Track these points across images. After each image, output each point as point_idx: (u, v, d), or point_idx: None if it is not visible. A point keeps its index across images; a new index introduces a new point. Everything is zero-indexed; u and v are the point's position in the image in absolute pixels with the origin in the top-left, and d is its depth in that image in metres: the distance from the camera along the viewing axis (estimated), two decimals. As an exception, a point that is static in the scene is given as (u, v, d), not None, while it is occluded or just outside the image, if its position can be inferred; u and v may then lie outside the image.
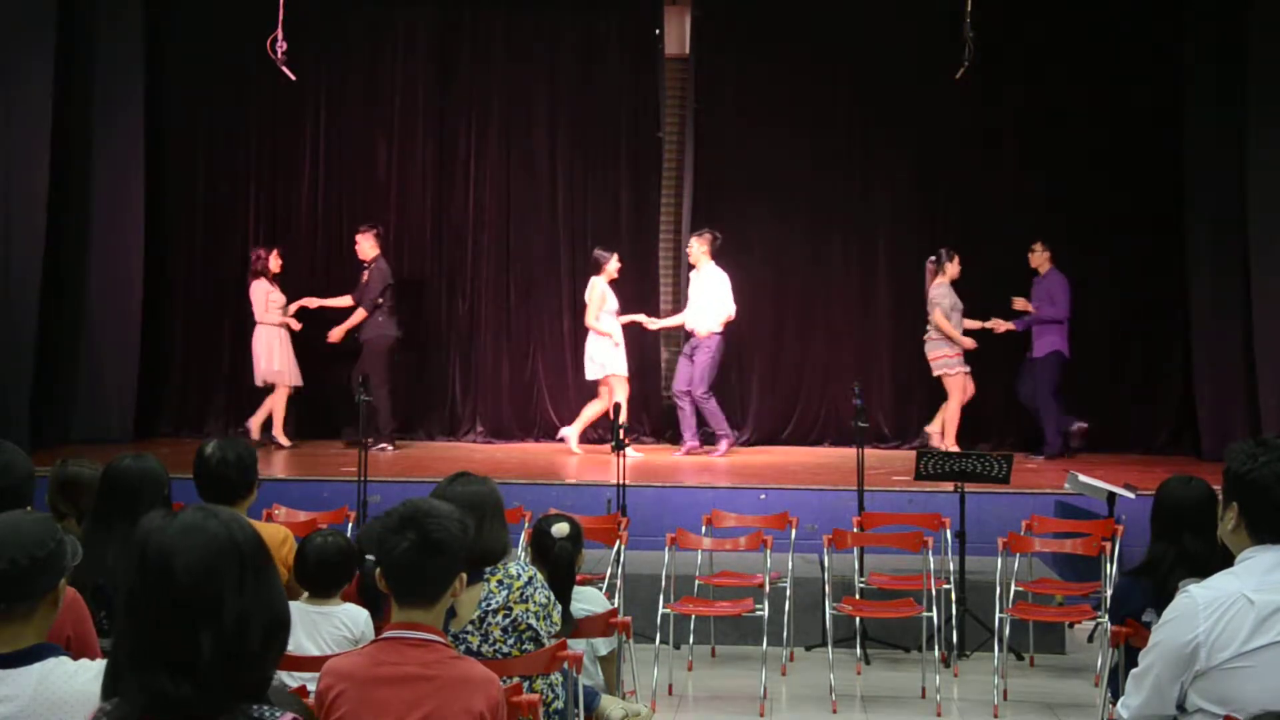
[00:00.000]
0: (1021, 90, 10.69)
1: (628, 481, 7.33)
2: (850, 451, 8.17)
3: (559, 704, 3.78)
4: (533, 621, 3.68)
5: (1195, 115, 10.13)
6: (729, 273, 10.16)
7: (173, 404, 11.10)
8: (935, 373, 10.05)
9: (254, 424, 10.27)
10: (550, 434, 10.92)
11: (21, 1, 9.72)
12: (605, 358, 9.92)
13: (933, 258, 10.07)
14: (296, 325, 10.38)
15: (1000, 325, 10.19)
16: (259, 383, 10.29)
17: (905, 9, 10.63)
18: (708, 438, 10.30)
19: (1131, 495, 6.83)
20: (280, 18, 9.10)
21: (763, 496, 8.22)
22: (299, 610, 3.94)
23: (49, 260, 9.94)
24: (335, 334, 10.27)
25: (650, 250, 11.09)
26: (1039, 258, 10.11)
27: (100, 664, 2.39)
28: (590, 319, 9.92)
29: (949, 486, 7.05)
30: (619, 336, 9.96)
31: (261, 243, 10.82)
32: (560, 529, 4.38)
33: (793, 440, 10.87)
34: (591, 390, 10.22)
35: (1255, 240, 9.65)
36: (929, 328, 9.98)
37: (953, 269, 9.95)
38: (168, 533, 1.99)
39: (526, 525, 6.12)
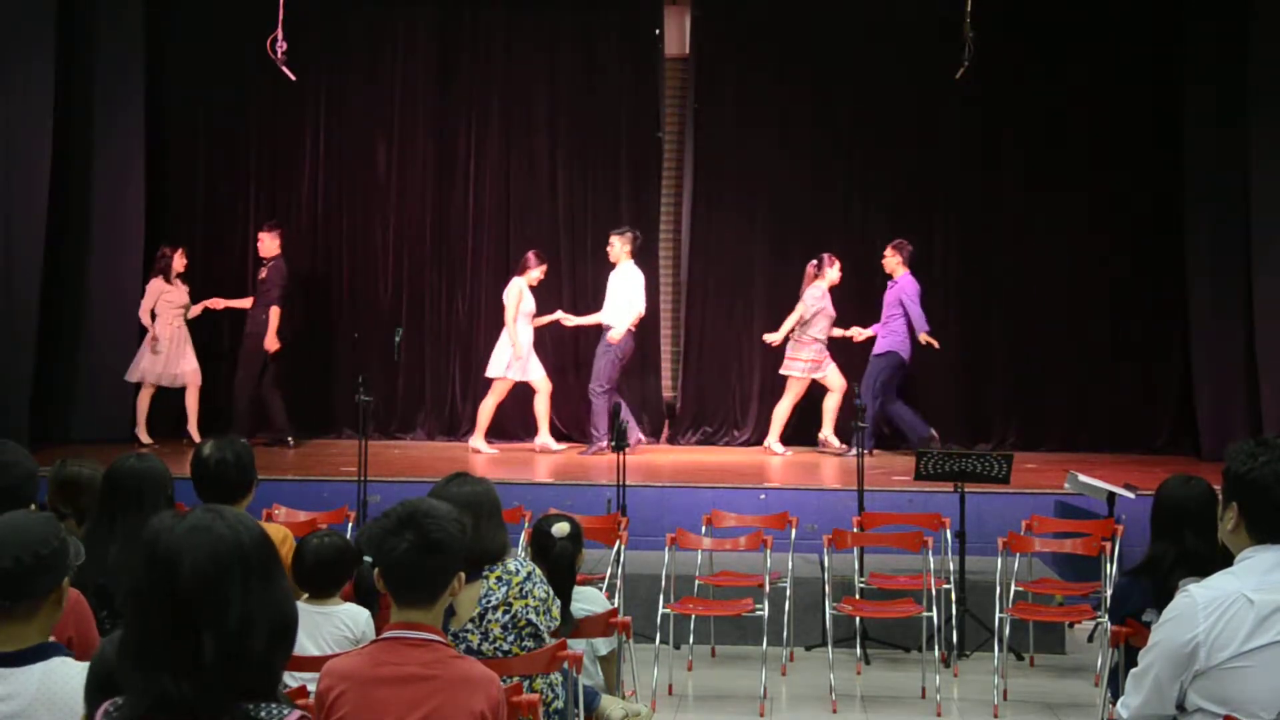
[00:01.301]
0: (1021, 90, 10.69)
1: (628, 481, 7.33)
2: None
3: (559, 704, 3.78)
4: (532, 617, 3.69)
5: (1195, 115, 10.12)
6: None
7: (172, 404, 11.06)
8: (783, 370, 10.13)
9: (141, 428, 10.18)
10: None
11: (21, 2, 9.72)
12: (497, 359, 9.94)
13: (814, 261, 10.10)
14: (155, 333, 10.11)
15: (860, 334, 10.19)
16: (132, 378, 10.19)
17: (905, 9, 10.63)
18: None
19: (1131, 495, 6.84)
20: (280, 18, 9.11)
21: (763, 496, 8.23)
22: (300, 610, 3.95)
23: (49, 260, 9.95)
24: (270, 343, 10.11)
25: (650, 250, 11.07)
26: (891, 262, 10.01)
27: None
28: (508, 319, 9.90)
29: (949, 486, 7.05)
30: (527, 342, 9.95)
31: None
32: (560, 529, 4.39)
33: (793, 440, 10.85)
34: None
35: (1256, 240, 9.65)
36: (796, 329, 10.05)
37: (833, 274, 10.03)
38: (176, 533, 2.00)
39: (526, 525, 6.12)
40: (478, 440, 10.08)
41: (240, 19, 10.51)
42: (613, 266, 10.14)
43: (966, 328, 10.68)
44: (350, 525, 6.67)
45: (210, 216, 11.21)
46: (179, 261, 10.27)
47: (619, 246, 10.06)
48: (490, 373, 10.03)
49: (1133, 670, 2.73)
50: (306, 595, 4.11)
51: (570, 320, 10.36)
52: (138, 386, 10.25)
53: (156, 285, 10.21)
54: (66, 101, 10.11)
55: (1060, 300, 10.67)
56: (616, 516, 6.79)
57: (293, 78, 9.69)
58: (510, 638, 3.67)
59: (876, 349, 10.02)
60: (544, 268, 10.04)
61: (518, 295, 9.89)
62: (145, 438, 10.16)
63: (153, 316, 10.17)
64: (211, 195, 11.23)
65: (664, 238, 11.19)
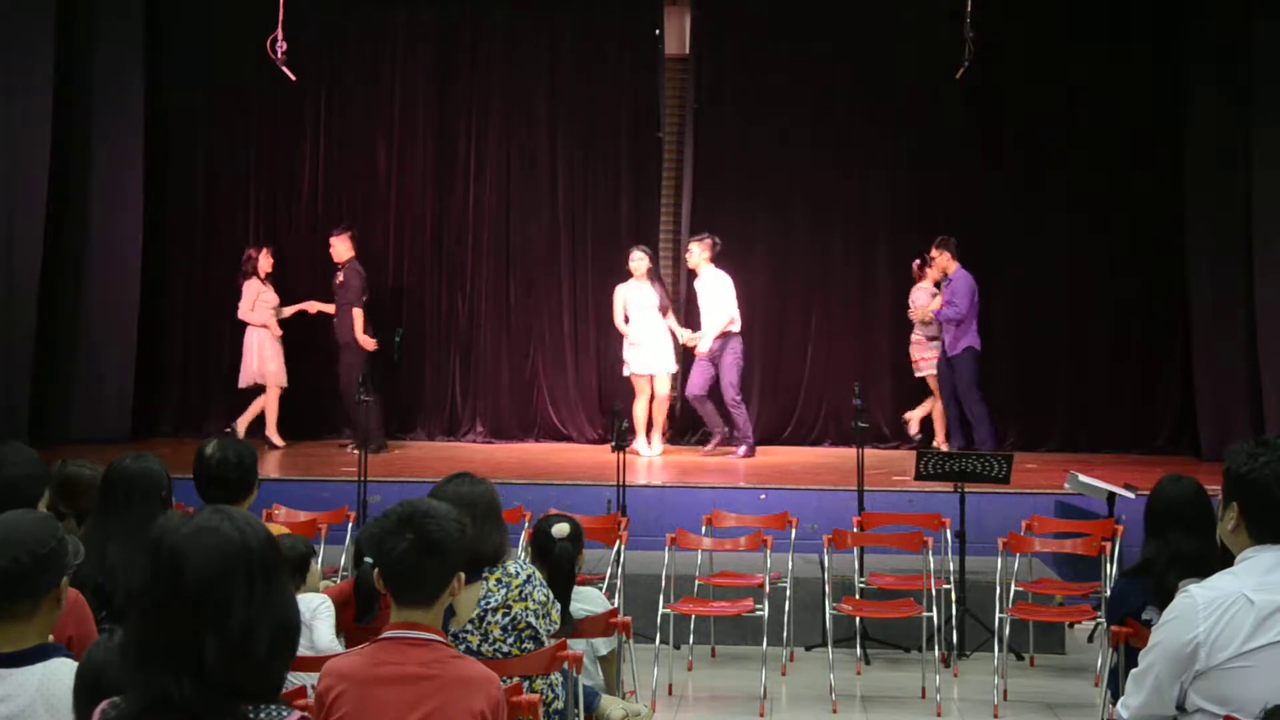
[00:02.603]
0: (1021, 89, 10.68)
1: (628, 481, 7.33)
2: (850, 451, 8.17)
3: (559, 704, 3.78)
4: (532, 620, 3.69)
5: (1196, 113, 10.12)
6: (731, 271, 10.11)
7: (172, 404, 11.10)
8: (924, 374, 10.11)
9: (242, 424, 10.15)
10: (550, 434, 10.92)
11: (21, 1, 9.73)
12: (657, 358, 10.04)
13: (917, 260, 10.13)
14: (278, 331, 10.26)
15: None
16: (245, 384, 10.23)
17: (905, 9, 10.62)
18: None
19: (1131, 495, 6.83)
20: (280, 18, 9.10)
21: (763, 496, 8.22)
22: None
23: (48, 260, 9.95)
24: (366, 343, 9.98)
25: (650, 250, 11.07)
26: (941, 260, 9.88)
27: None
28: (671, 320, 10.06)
29: (949, 486, 7.05)
30: (643, 337, 10.01)
31: (261, 242, 10.81)
32: (560, 529, 4.38)
33: (793, 440, 10.86)
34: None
35: (1256, 240, 9.64)
36: (918, 328, 10.08)
37: (934, 273, 10.04)
38: (181, 534, 1.99)
39: (526, 525, 6.12)
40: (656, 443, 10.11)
41: (240, 19, 10.50)
42: (692, 274, 10.08)
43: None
44: (350, 525, 6.68)
45: (210, 217, 11.20)
46: (266, 261, 10.25)
47: (698, 253, 9.94)
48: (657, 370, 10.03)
49: (1133, 670, 2.73)
50: None
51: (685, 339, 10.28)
52: (243, 391, 10.26)
53: (254, 286, 10.19)
54: (66, 101, 10.11)
55: (1060, 300, 10.66)
56: (616, 516, 6.79)
57: (293, 78, 9.68)
58: (510, 640, 3.68)
59: (951, 350, 9.84)
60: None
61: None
62: (279, 440, 10.18)
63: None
64: (211, 195, 11.22)
65: (664, 238, 11.19)
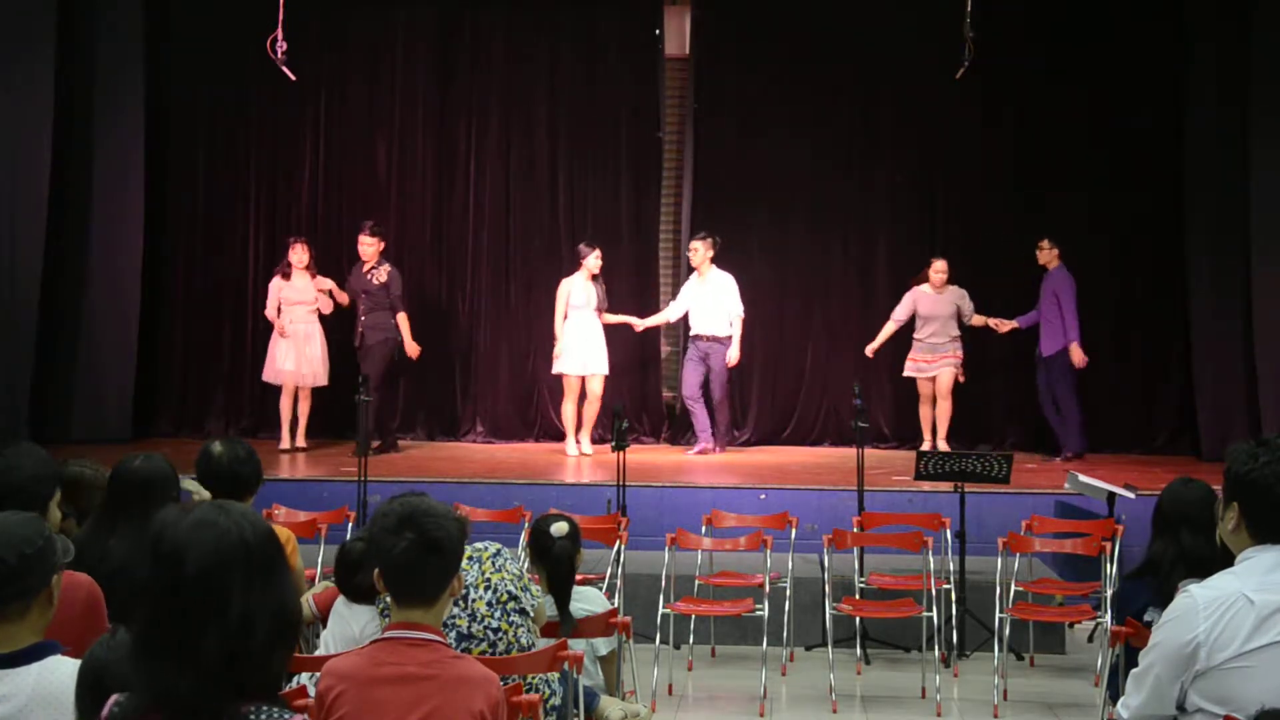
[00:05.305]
0: (1021, 90, 10.68)
1: (628, 481, 7.33)
2: (850, 451, 8.18)
3: (555, 700, 3.79)
4: (512, 588, 3.74)
5: (1196, 113, 10.12)
6: (730, 271, 10.16)
7: (172, 404, 11.09)
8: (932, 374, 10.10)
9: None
10: (550, 434, 10.91)
11: (21, 1, 9.73)
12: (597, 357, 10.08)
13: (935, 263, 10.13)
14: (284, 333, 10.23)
15: (1004, 325, 10.14)
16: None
17: (905, 9, 10.63)
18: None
19: (1131, 495, 6.84)
20: (280, 18, 9.10)
21: (763, 496, 8.22)
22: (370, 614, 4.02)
23: (49, 260, 9.95)
24: (412, 350, 10.05)
25: (650, 250, 11.09)
26: (1046, 254, 9.91)
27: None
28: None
29: (949, 486, 7.05)
30: (572, 338, 10.03)
31: (261, 242, 10.80)
32: (559, 528, 4.40)
33: (793, 440, 10.87)
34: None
35: (1256, 241, 9.65)
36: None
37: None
38: (180, 528, 2.00)
39: (526, 525, 6.12)
40: None
41: (240, 19, 10.49)
42: (693, 271, 10.03)
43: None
44: (350, 525, 6.67)
45: (210, 217, 11.20)
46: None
47: (702, 252, 9.90)
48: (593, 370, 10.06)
49: (1133, 670, 2.73)
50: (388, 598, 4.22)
51: (640, 324, 10.37)
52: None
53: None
54: (67, 101, 10.11)
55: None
56: (616, 516, 6.79)
57: (293, 78, 9.68)
58: (497, 614, 3.70)
59: (1046, 350, 9.79)
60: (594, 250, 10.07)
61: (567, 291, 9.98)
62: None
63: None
64: (211, 195, 11.23)
65: (664, 238, 11.19)
